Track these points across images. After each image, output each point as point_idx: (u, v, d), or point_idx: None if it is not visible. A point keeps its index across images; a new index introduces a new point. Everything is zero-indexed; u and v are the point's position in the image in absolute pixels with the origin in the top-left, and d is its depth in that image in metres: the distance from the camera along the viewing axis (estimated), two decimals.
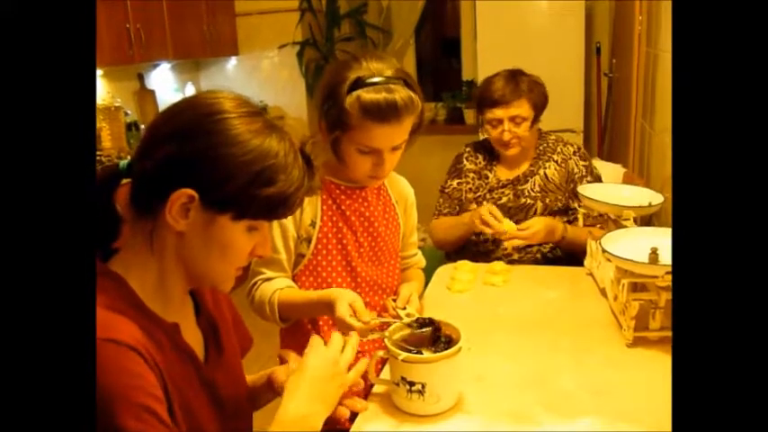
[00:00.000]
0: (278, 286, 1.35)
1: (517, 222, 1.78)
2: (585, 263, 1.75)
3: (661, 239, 1.31)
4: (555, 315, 1.52)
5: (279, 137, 0.85)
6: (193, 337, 0.94)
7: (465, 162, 2.00)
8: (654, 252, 1.25)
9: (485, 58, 3.73)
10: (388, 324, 1.20)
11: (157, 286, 0.87)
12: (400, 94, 1.25)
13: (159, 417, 0.75)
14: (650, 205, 1.59)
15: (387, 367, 1.20)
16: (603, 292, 1.57)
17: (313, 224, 1.39)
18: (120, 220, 0.87)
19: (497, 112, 1.85)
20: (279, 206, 0.86)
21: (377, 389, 1.19)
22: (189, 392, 0.86)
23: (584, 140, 3.83)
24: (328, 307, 1.22)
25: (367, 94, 1.24)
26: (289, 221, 1.37)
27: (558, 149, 1.94)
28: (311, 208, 1.39)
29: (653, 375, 1.20)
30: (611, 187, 1.80)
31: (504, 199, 1.92)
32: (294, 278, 1.41)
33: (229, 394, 0.97)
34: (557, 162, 1.92)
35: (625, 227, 1.55)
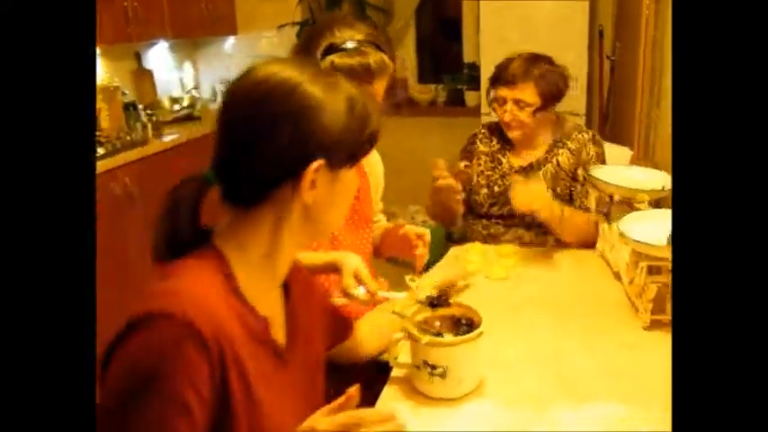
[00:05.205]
0: None
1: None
2: (597, 245, 1.74)
3: None
4: (568, 298, 1.51)
5: (347, 86, 0.88)
6: (279, 328, 0.93)
7: (479, 143, 1.97)
8: None
9: (487, 39, 3.68)
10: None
11: (255, 279, 0.87)
12: (373, 57, 1.29)
13: (190, 413, 0.72)
14: (663, 189, 1.58)
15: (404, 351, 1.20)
16: (617, 275, 1.56)
17: None
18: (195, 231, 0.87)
19: (502, 91, 1.84)
20: (374, 141, 0.92)
21: (395, 372, 1.18)
22: (262, 384, 0.84)
23: (586, 123, 3.81)
24: (335, 272, 1.24)
25: (340, 59, 1.27)
26: None
27: (574, 136, 1.89)
28: None
29: (669, 358, 1.20)
30: (623, 169, 1.78)
31: None
32: None
33: (305, 387, 0.96)
34: (570, 150, 1.88)
35: (639, 209, 1.55)
